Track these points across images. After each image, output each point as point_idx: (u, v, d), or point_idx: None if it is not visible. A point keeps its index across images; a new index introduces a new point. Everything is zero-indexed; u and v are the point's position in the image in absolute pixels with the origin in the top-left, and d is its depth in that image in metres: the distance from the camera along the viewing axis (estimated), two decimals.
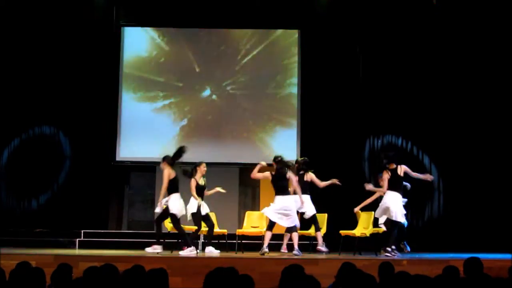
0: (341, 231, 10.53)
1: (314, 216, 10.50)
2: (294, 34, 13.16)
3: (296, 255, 9.65)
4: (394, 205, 9.87)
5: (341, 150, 12.56)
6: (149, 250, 10.16)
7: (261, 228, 10.60)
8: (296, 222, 10.01)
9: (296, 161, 10.73)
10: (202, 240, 10.64)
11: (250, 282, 4.24)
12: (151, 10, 13.11)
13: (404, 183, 10.18)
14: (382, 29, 12.74)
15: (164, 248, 10.27)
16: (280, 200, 9.88)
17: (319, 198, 11.40)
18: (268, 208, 9.91)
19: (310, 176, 10.57)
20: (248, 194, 13.07)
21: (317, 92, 12.78)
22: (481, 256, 5.85)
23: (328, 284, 5.26)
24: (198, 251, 10.13)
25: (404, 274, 4.78)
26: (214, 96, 13.03)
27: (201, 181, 10.42)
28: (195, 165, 10.38)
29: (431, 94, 12.59)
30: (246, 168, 13.02)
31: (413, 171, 10.24)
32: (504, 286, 4.79)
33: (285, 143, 12.91)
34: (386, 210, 9.98)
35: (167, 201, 10.09)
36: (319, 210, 10.71)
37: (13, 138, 12.67)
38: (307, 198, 10.42)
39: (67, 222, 12.13)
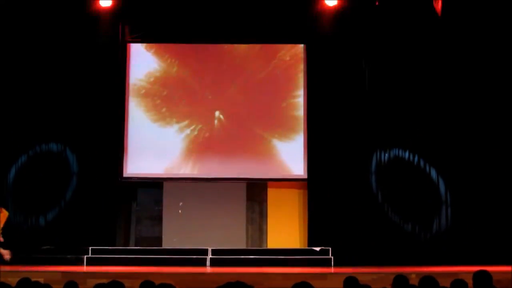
0: None
1: None
2: (299, 49, 13.19)
3: None
4: None
5: (348, 163, 12.53)
6: None
7: None
8: None
9: None
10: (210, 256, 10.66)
11: None
12: (157, 27, 13.12)
13: None
14: (388, 42, 12.73)
15: (171, 264, 10.57)
16: None
17: (329, 213, 11.41)
18: None
19: None
20: (256, 210, 13.02)
21: (323, 106, 12.75)
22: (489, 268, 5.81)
23: None
24: None
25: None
26: (220, 112, 13.02)
27: None
28: None
29: (438, 107, 12.57)
30: (253, 184, 13.00)
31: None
32: None
33: (292, 157, 12.90)
34: None
35: None
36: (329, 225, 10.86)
37: (21, 154, 12.66)
38: None
39: (74, 239, 12.11)
